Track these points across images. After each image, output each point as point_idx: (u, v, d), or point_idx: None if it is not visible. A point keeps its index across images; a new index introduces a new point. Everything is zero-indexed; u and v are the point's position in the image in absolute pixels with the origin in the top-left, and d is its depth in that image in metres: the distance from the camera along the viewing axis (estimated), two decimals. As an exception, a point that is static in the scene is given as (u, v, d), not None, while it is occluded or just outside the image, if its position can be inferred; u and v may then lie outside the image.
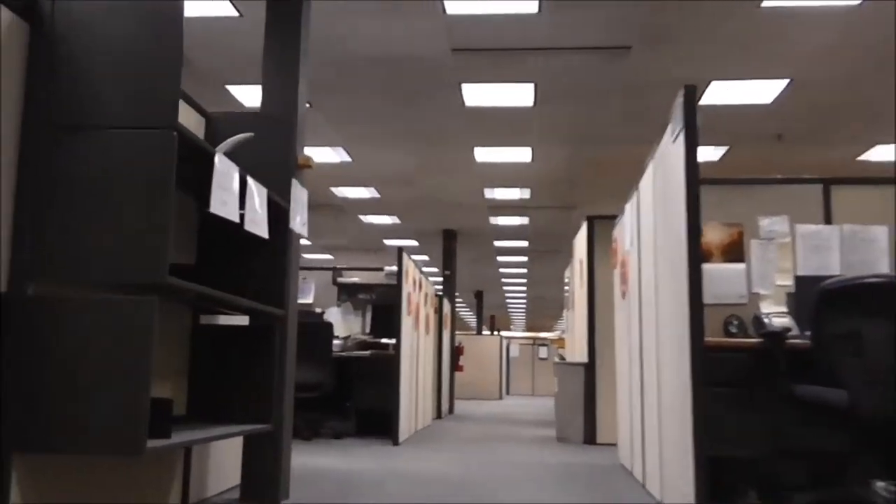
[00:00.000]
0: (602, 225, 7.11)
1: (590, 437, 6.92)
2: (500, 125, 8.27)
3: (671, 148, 3.40)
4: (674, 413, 3.34)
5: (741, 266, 4.29)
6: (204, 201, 3.23)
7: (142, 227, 2.11)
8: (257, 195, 2.86)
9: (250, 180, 2.76)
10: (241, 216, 2.84)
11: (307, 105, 7.61)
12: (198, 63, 6.68)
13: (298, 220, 3.47)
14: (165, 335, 3.01)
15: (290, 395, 3.71)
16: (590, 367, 6.97)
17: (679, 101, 3.17)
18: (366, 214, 13.06)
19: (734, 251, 4.38)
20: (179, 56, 2.19)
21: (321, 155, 9.41)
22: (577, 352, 7.79)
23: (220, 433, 2.62)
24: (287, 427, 3.66)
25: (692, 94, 3.11)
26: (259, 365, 3.15)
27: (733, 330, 4.15)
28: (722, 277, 4.29)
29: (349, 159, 9.63)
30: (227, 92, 7.31)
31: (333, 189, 11.22)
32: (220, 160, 2.48)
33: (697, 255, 3.01)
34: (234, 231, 3.23)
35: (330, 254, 17.50)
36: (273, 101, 3.65)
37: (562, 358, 8.45)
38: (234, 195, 2.58)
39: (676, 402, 3.26)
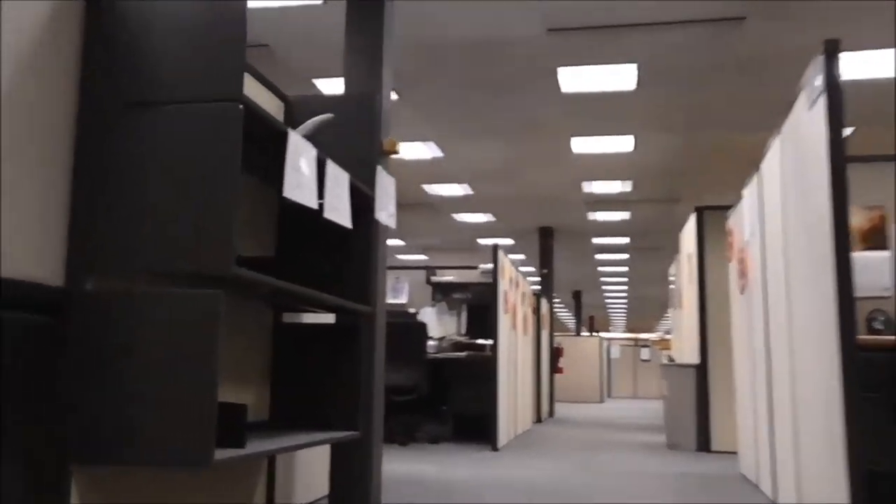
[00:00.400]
0: (713, 216, 6.61)
1: (703, 445, 6.41)
2: (600, 112, 7.83)
3: (806, 118, 2.95)
4: (815, 422, 2.88)
5: (885, 254, 3.76)
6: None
7: (205, 211, 1.87)
8: (338, 180, 2.60)
9: (329, 163, 2.51)
10: (321, 206, 2.59)
11: (395, 96, 7.40)
12: (282, 56, 6.56)
13: (385, 211, 3.21)
14: (244, 335, 2.80)
15: (381, 398, 3.44)
16: (702, 369, 6.48)
17: (818, 59, 2.72)
18: (459, 213, 12.81)
19: (876, 237, 3.86)
20: (243, 23, 1.95)
21: (412, 151, 9.20)
22: (685, 352, 7.28)
23: (301, 442, 2.37)
24: (377, 433, 3.40)
25: (834, 49, 2.66)
26: (346, 367, 2.90)
27: (878, 326, 3.64)
28: (863, 267, 3.77)
29: (441, 154, 9.38)
30: (314, 86, 7.18)
31: (425, 187, 11.01)
32: (293, 138, 2.23)
33: (846, 240, 2.56)
34: (317, 223, 3.00)
35: (424, 254, 17.37)
36: (356, 83, 3.40)
37: (670, 359, 7.93)
38: (311, 178, 2.33)
39: (820, 409, 2.81)
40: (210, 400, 1.79)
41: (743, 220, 4.69)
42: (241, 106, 1.91)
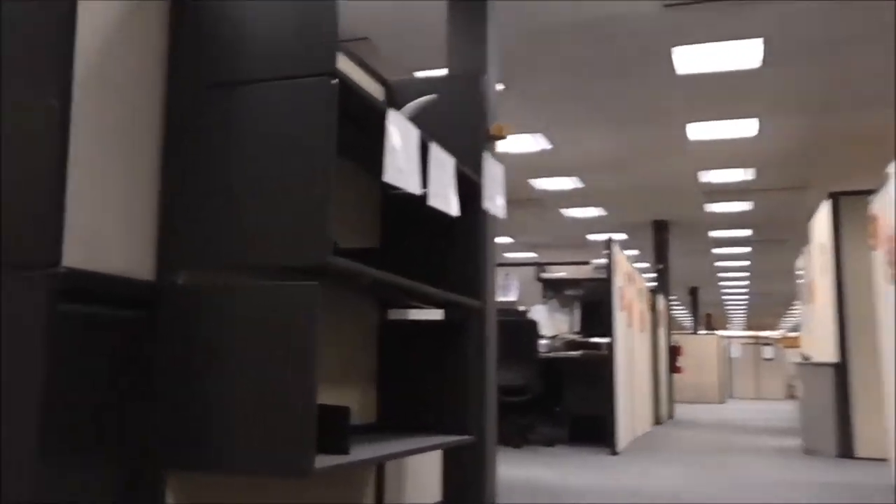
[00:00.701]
0: (850, 202, 6.06)
1: (845, 450, 5.87)
2: (720, 94, 7.34)
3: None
4: None
5: None
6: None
7: (299, 196, 1.71)
8: (442, 165, 2.41)
9: (433, 146, 2.32)
10: (425, 193, 2.40)
11: (500, 86, 7.18)
12: (382, 49, 6.46)
13: (493, 200, 3.00)
14: (348, 332, 2.65)
15: (494, 400, 3.23)
16: (841, 367, 5.93)
17: None
18: (568, 207, 12.45)
19: None
20: (337, -10, 1.78)
21: (519, 143, 8.95)
22: (818, 349, 6.72)
23: (410, 447, 2.19)
24: (491, 437, 3.19)
25: None
26: (456, 366, 2.71)
27: None
28: None
29: (549, 146, 9.08)
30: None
31: (532, 181, 10.73)
32: (393, 118, 2.05)
33: None
34: (422, 213, 2.82)
35: (532, 251, 17.08)
36: (460, 65, 3.21)
37: (805, 357, 7.35)
38: (413, 161, 2.14)
39: None
40: (309, 401, 1.63)
41: (890, 203, 4.21)
42: (334, 80, 1.74)
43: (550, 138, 8.81)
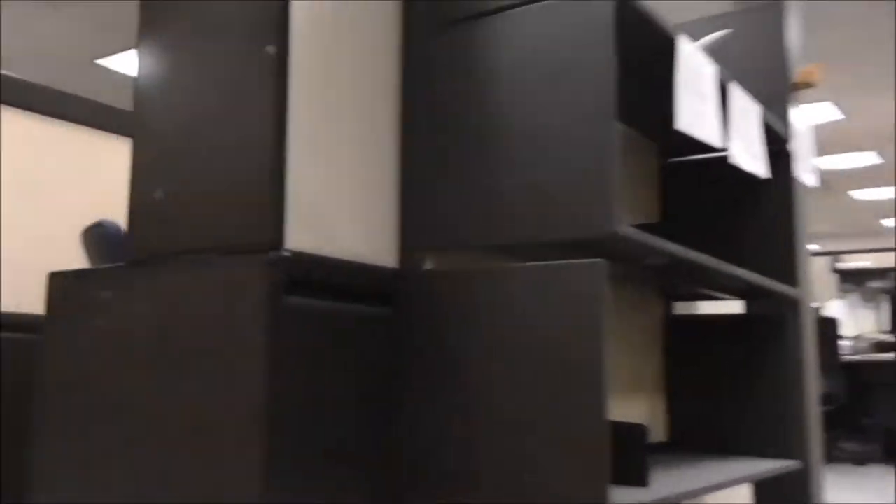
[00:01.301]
0: None
1: None
2: None
3: None
4: None
5: None
6: (666, 145, 2.37)
7: (571, 153, 1.30)
8: (746, 113, 1.88)
9: (735, 88, 1.80)
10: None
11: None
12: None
13: (805, 163, 2.39)
14: (630, 330, 2.20)
15: (817, 416, 2.59)
16: None
17: None
18: (860, 188, 10.87)
19: None
20: None
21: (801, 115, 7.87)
22: None
23: (724, 478, 1.69)
24: (817, 460, 2.55)
25: None
26: (767, 371, 2.19)
27: None
28: None
29: (840, 116, 7.87)
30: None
31: (816, 160, 9.44)
32: (684, 48, 1.57)
33: None
34: (710, 180, 2.30)
35: (814, 243, 15.30)
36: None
37: None
38: (711, 106, 1.65)
39: None
40: (600, 417, 1.21)
41: None
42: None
43: (841, 106, 7.62)
